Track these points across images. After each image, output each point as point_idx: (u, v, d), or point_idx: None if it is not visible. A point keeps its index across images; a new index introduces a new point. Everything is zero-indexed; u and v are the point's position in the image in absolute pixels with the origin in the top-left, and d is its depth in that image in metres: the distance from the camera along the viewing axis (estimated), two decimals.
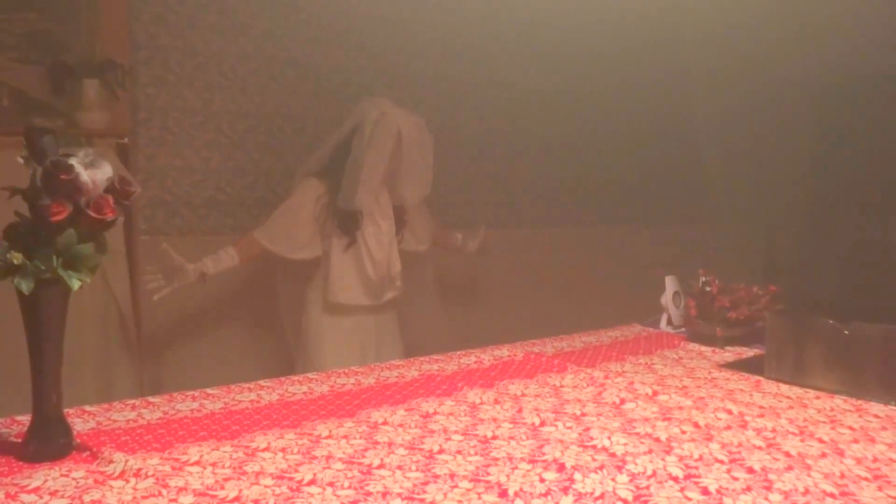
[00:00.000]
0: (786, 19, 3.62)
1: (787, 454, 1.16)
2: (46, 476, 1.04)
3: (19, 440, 1.14)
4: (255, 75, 2.77)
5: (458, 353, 1.82)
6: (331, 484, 1.03)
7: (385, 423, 1.29)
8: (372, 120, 2.25)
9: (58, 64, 2.35)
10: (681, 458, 1.14)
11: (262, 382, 1.53)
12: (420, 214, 2.61)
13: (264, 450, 1.15)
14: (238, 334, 2.65)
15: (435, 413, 1.35)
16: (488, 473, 1.07)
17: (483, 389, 1.51)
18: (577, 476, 1.06)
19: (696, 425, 1.29)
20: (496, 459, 1.13)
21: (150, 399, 1.40)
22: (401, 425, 1.28)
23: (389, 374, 1.63)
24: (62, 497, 0.97)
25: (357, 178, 2.26)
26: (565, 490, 1.02)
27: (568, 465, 1.10)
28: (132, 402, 1.39)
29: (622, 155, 3.89)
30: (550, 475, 1.07)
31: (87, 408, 1.34)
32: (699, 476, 1.07)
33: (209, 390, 1.46)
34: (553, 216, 3.72)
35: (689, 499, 1.00)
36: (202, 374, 2.10)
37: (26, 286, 1.03)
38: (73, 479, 1.03)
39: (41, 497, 0.97)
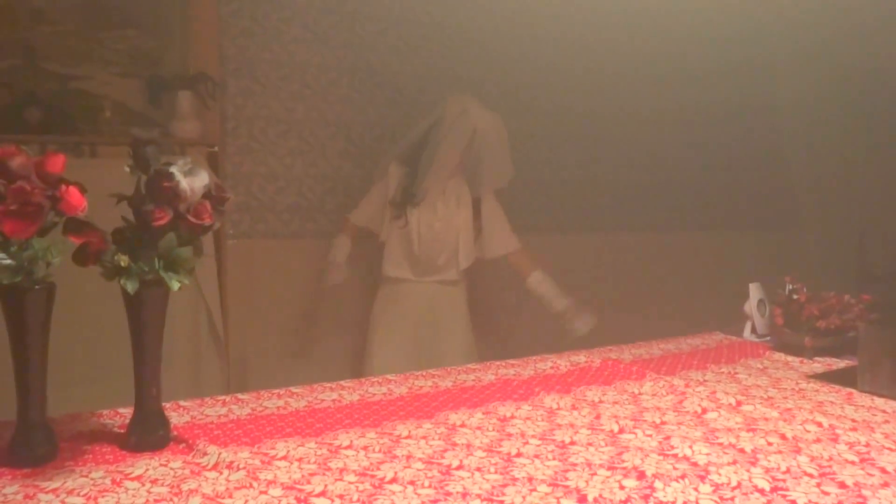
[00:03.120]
0: (875, 5, 3.44)
1: (883, 470, 1.11)
2: (147, 465, 1.10)
3: (122, 431, 1.22)
4: (336, 85, 2.86)
5: (535, 357, 1.82)
6: (412, 483, 1.05)
7: (463, 425, 1.31)
8: (452, 115, 2.47)
9: (154, 77, 2.49)
10: (767, 471, 1.10)
11: (343, 382, 1.57)
12: (492, 220, 2.69)
13: (347, 447, 1.19)
14: (321, 334, 2.73)
15: (512, 417, 1.36)
16: (567, 478, 1.07)
17: (560, 395, 1.51)
18: (658, 484, 1.05)
19: (783, 437, 1.25)
20: (575, 465, 1.12)
21: (240, 396, 1.47)
22: (479, 428, 1.30)
23: (466, 377, 1.65)
24: (162, 485, 1.03)
25: (428, 168, 2.47)
26: (646, 498, 1.01)
27: (648, 473, 1.09)
28: (222, 398, 1.46)
29: (703, 158, 3.79)
30: (630, 482, 1.06)
31: (182, 402, 1.42)
32: (787, 489, 1.04)
33: (293, 389, 1.51)
34: (629, 221, 3.66)
35: None
36: (286, 372, 2.18)
37: (131, 286, 1.10)
38: (172, 468, 1.09)
39: (143, 484, 1.04)
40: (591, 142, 3.50)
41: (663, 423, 1.33)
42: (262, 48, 2.70)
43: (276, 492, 1.02)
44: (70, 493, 1.00)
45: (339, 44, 2.88)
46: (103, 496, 1.00)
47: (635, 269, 3.56)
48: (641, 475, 1.08)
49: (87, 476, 1.06)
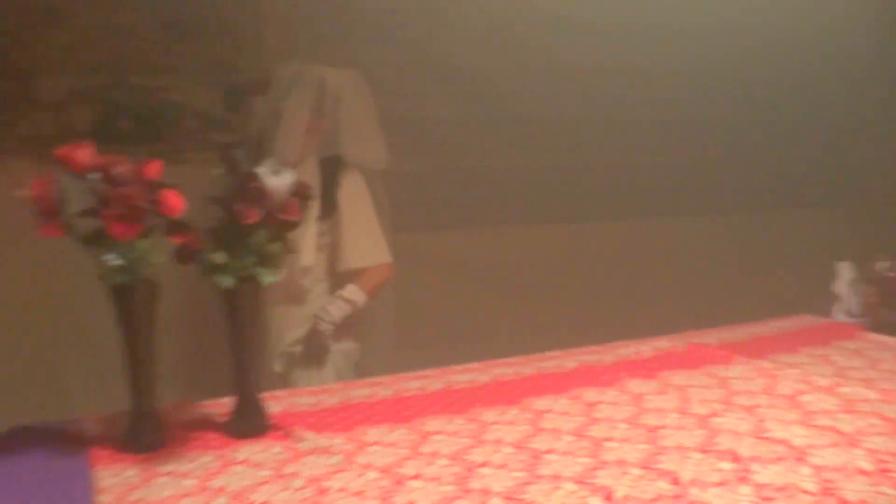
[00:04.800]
0: None
1: None
2: (250, 450, 1.16)
3: (224, 419, 1.28)
4: (407, 82, 2.90)
5: (617, 343, 1.80)
6: (503, 466, 1.07)
7: (549, 410, 1.32)
8: (290, 74, 2.04)
9: (231, 85, 2.59)
10: (871, 452, 1.06)
11: (426, 372, 1.60)
12: (353, 217, 2.08)
13: (436, 433, 1.22)
14: (402, 323, 2.77)
15: (598, 402, 1.36)
16: (659, 461, 1.06)
17: (645, 380, 1.49)
18: (755, 467, 1.03)
19: (885, 418, 1.20)
20: (665, 448, 1.11)
21: (328, 387, 1.52)
22: (565, 413, 1.30)
23: (548, 364, 1.65)
24: (265, 469, 1.09)
25: (272, 138, 1.99)
26: (743, 480, 0.99)
27: (744, 455, 1.07)
28: (312, 388, 1.51)
29: (779, 133, 3.63)
30: (725, 465, 1.04)
31: (276, 393, 1.48)
32: (892, 471, 1.00)
33: (379, 378, 1.55)
34: (697, 205, 3.55)
35: (884, 494, 0.94)
36: (372, 362, 2.22)
37: (227, 282, 1.15)
38: (273, 453, 1.15)
39: (248, 468, 1.09)
40: (661, 126, 3.42)
41: (756, 406, 1.30)
42: (332, 50, 2.76)
43: (372, 475, 1.05)
44: (183, 475, 1.07)
45: (407, 41, 2.91)
46: (213, 478, 1.06)
47: (708, 253, 3.46)
48: (737, 458, 1.06)
49: (196, 460, 1.12)
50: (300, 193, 1.18)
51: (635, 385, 1.46)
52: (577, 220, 3.26)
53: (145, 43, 2.52)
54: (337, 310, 1.96)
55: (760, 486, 0.97)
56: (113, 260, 1.10)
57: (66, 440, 1.23)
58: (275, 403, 1.40)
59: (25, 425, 1.33)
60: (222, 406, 1.36)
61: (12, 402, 1.99)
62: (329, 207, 2.02)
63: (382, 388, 1.50)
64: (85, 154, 1.08)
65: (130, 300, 1.14)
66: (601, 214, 3.29)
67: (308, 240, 1.98)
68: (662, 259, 3.34)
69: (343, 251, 2.04)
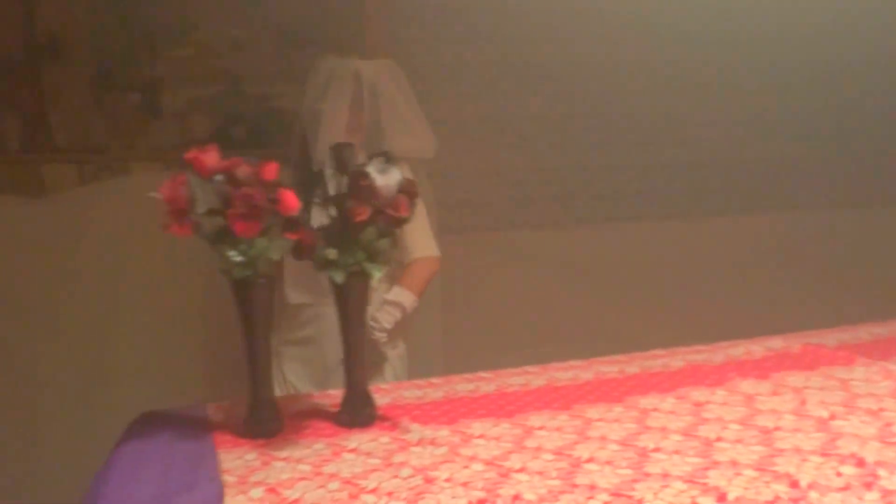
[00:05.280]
0: None
1: None
2: (360, 439, 1.21)
3: (334, 410, 1.34)
4: (500, 81, 2.91)
5: (725, 343, 1.74)
6: (608, 463, 1.06)
7: (655, 409, 1.29)
8: (324, 70, 1.94)
9: None
10: None
11: (528, 368, 1.61)
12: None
13: (540, 428, 1.22)
14: (501, 319, 2.79)
15: (707, 402, 1.32)
16: (774, 463, 1.02)
17: (757, 380, 1.43)
18: (882, 472, 0.97)
19: None
20: (782, 450, 1.07)
21: (433, 380, 1.55)
22: (672, 412, 1.27)
23: (653, 363, 1.61)
24: (375, 457, 1.13)
25: (314, 140, 1.89)
26: (868, 486, 0.94)
27: (869, 460, 1.01)
28: (417, 382, 1.55)
29: (851, 125, 3.37)
30: (848, 469, 0.99)
31: (382, 386, 1.53)
32: None
33: (482, 374, 1.57)
34: (822, 198, 3.36)
35: None
36: (474, 357, 2.25)
37: (339, 277, 1.21)
38: (381, 443, 1.19)
39: (359, 456, 1.14)
40: (771, 119, 3.26)
41: (881, 409, 1.22)
42: (430, 52, 2.82)
43: (477, 466, 1.07)
44: (299, 461, 1.13)
45: (500, 41, 2.93)
46: (326, 464, 1.11)
47: (820, 249, 3.26)
48: (861, 462, 1.01)
49: (310, 448, 1.18)
50: (408, 190, 1.22)
51: (747, 385, 1.40)
52: (682, 216, 3.16)
53: (259, 54, 2.66)
54: (387, 315, 1.82)
55: (888, 493, 0.91)
56: (235, 256, 1.17)
57: (191, 425, 1.33)
58: (381, 395, 1.45)
59: (154, 411, 1.45)
60: (332, 397, 1.42)
61: (143, 389, 2.16)
62: None
63: (485, 383, 1.52)
64: (211, 157, 1.16)
65: (250, 294, 1.21)
66: (707, 210, 3.19)
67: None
68: (771, 255, 3.18)
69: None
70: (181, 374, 2.29)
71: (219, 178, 1.16)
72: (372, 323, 1.78)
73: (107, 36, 2.45)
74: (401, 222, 1.21)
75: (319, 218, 1.38)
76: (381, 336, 1.80)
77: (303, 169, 1.90)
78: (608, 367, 1.60)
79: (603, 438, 1.16)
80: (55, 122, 2.36)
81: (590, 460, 1.07)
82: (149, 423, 1.35)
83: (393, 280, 1.88)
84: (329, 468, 1.09)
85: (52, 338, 2.13)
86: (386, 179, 1.23)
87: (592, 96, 3.02)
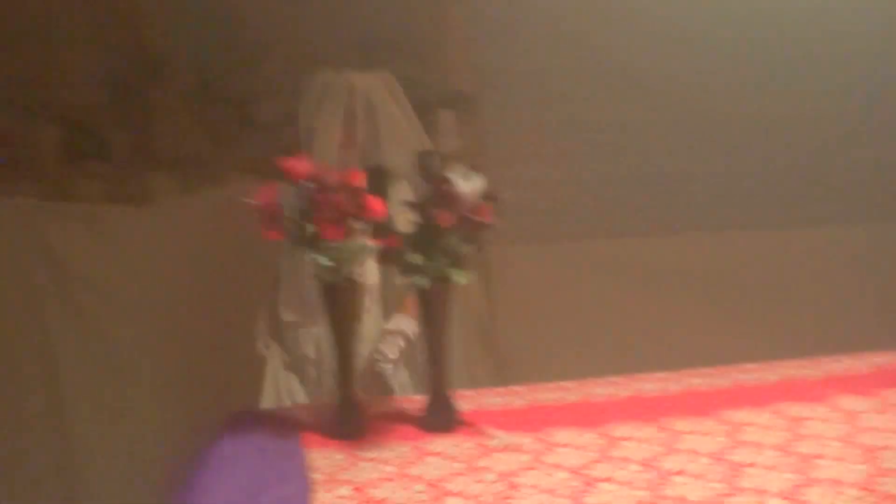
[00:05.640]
0: None
1: None
2: (443, 444, 1.22)
3: (417, 414, 1.35)
4: (583, 87, 2.88)
5: (825, 358, 1.65)
6: (699, 476, 1.02)
7: (749, 424, 1.24)
8: (317, 86, 1.85)
9: (418, 100, 2.73)
10: None
11: (614, 379, 1.57)
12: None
13: (626, 439, 1.19)
14: (583, 329, 2.75)
15: (806, 418, 1.25)
16: (880, 483, 0.97)
17: (861, 397, 1.35)
18: None
19: None
20: (889, 470, 1.01)
21: (515, 388, 1.55)
22: (767, 427, 1.22)
23: (747, 376, 1.55)
24: (459, 461, 1.13)
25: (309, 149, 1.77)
26: None
27: None
28: (499, 390, 1.55)
29: None
30: None
31: (464, 392, 1.53)
32: None
33: (566, 383, 1.55)
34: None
35: None
36: (551, 366, 2.23)
37: (423, 283, 1.22)
38: (464, 448, 1.19)
39: (442, 459, 1.15)
40: (873, 120, 3.07)
41: None
42: (514, 58, 2.82)
43: (562, 475, 1.06)
44: (384, 462, 1.15)
45: (591, 45, 2.89)
46: (411, 467, 1.12)
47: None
48: None
49: (395, 450, 1.20)
50: (490, 197, 1.22)
51: (849, 402, 1.33)
52: (774, 225, 3.03)
53: (341, 66, 2.74)
54: (390, 346, 1.73)
55: None
56: (323, 260, 1.21)
57: (280, 424, 1.37)
58: (464, 402, 1.45)
59: (245, 410, 1.51)
60: (415, 402, 1.43)
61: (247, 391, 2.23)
62: None
63: (569, 392, 1.50)
64: (302, 165, 1.20)
65: (337, 298, 1.25)
66: (801, 219, 3.04)
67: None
68: (873, 267, 2.99)
69: None
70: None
71: (309, 184, 1.20)
72: (376, 356, 1.70)
73: (206, 54, 2.58)
74: (483, 228, 1.22)
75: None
76: (386, 368, 1.71)
77: None
78: (698, 380, 1.54)
79: (693, 451, 1.12)
80: (158, 134, 2.51)
81: (679, 472, 1.04)
82: (240, 422, 1.40)
83: (389, 307, 1.78)
84: (413, 470, 1.11)
85: (155, 339, 2.25)
86: (468, 186, 1.24)
87: (681, 100, 2.93)
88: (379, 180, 1.79)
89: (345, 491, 1.04)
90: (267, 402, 1.73)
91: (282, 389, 1.78)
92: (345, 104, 1.81)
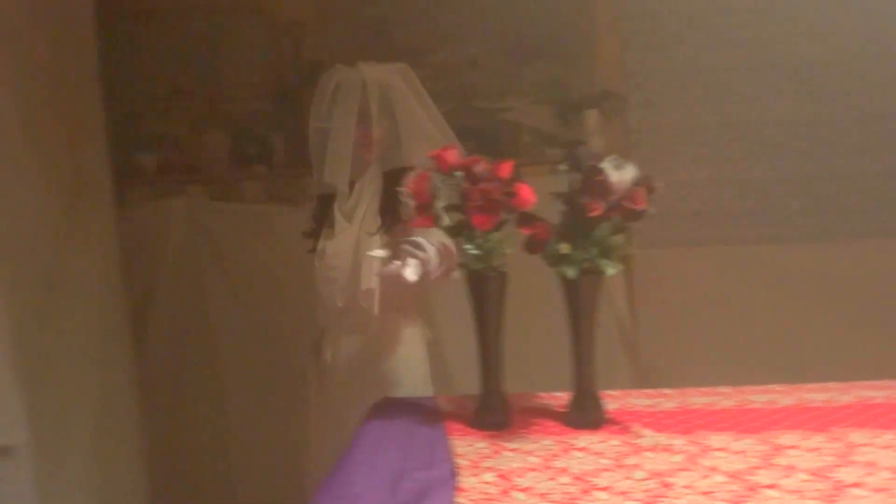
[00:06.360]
0: None
1: None
2: (588, 440, 1.18)
3: (560, 410, 1.33)
4: (739, 84, 2.72)
5: None
6: (881, 489, 0.93)
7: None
8: (331, 83, 1.70)
9: (564, 101, 2.70)
10: None
11: (775, 386, 1.46)
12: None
13: (791, 447, 1.10)
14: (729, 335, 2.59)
15: None
16: None
17: None
18: None
19: None
20: None
21: (664, 391, 1.48)
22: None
23: (876, 393, 1.38)
24: (606, 458, 1.10)
25: (321, 160, 1.68)
26: None
27: None
28: (648, 392, 1.48)
29: None
30: None
31: (610, 392, 1.48)
32: None
33: (721, 388, 1.46)
34: None
35: None
36: (693, 373, 2.11)
37: (571, 273, 1.20)
38: (611, 445, 1.15)
39: (589, 455, 1.11)
40: None
41: None
42: (662, 58, 2.72)
43: (719, 478, 1.00)
44: (528, 453, 1.13)
45: (740, 42, 2.73)
46: (556, 459, 1.10)
47: None
48: None
49: (539, 443, 1.18)
50: (646, 183, 1.18)
51: None
52: None
53: (490, 70, 2.78)
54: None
55: None
56: (471, 249, 1.22)
57: (425, 413, 1.39)
58: (609, 402, 1.40)
59: (390, 398, 1.55)
60: (557, 398, 1.41)
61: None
62: (392, 220, 1.63)
63: (724, 397, 1.41)
64: (452, 155, 1.22)
65: (484, 287, 1.25)
66: None
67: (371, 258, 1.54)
68: None
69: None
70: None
71: (458, 174, 1.22)
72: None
73: (350, 61, 2.70)
74: (638, 216, 1.18)
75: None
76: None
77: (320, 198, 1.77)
78: (872, 392, 1.40)
79: (871, 465, 1.02)
80: None
81: (856, 485, 0.94)
82: (386, 409, 1.44)
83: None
84: (558, 463, 1.09)
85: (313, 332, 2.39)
86: (620, 176, 1.20)
87: (848, 95, 2.70)
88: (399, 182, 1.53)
89: (489, 477, 1.04)
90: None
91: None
92: (358, 102, 1.66)
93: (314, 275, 1.71)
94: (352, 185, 1.69)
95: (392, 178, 1.62)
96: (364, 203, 1.68)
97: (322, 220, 1.74)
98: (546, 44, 2.76)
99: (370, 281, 1.56)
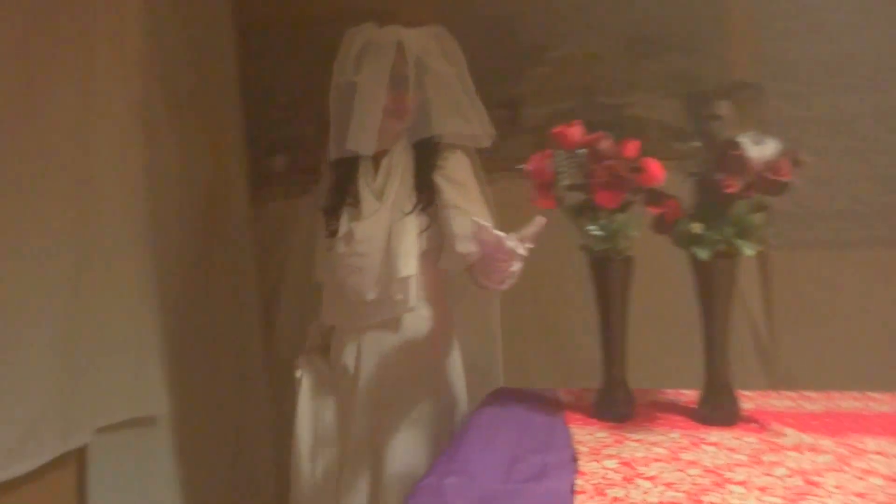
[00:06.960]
0: None
1: None
2: (721, 435, 1.10)
3: (688, 406, 1.24)
4: (890, 71, 2.48)
5: None
6: None
7: None
8: (360, 42, 1.50)
9: (693, 93, 2.57)
10: None
11: None
12: (456, 200, 1.46)
13: None
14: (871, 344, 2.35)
15: None
16: None
17: None
18: None
19: None
20: None
21: (807, 394, 1.35)
22: None
23: None
24: (740, 454, 1.02)
25: (345, 127, 1.47)
26: None
27: None
28: (789, 394, 1.36)
29: None
30: None
31: (745, 392, 1.37)
32: None
33: (873, 394, 1.32)
34: None
35: None
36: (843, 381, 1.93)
37: (704, 254, 1.12)
38: (747, 442, 1.06)
39: (721, 450, 1.03)
40: None
41: None
42: (803, 46, 2.52)
43: (876, 480, 0.89)
44: (653, 444, 1.06)
45: (892, 19, 2.49)
46: (684, 452, 1.03)
47: None
48: None
49: (665, 435, 1.11)
50: (792, 156, 1.08)
51: None
52: None
53: (611, 65, 2.69)
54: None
55: None
56: (595, 230, 1.17)
57: (542, 401, 1.35)
58: (744, 401, 1.30)
59: (507, 387, 1.51)
60: (686, 395, 1.32)
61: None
62: (428, 198, 1.48)
63: (877, 403, 1.27)
64: (575, 131, 1.18)
65: (607, 271, 1.20)
66: None
67: (408, 242, 1.44)
68: None
69: (448, 245, 1.44)
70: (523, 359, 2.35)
71: (582, 151, 1.17)
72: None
73: (475, 60, 2.70)
74: (781, 188, 1.08)
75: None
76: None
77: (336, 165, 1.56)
78: None
79: None
80: None
81: None
82: (503, 397, 1.41)
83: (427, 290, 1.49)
84: (687, 456, 1.01)
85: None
86: (759, 151, 1.11)
87: None
88: (430, 155, 1.52)
89: (611, 464, 0.98)
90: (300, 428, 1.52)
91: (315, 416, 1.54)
92: (391, 63, 1.46)
93: (333, 262, 1.50)
94: (375, 160, 1.52)
95: (423, 151, 1.51)
96: (395, 179, 1.49)
97: (343, 197, 1.53)
98: (673, 34, 2.64)
99: (408, 267, 1.41)
